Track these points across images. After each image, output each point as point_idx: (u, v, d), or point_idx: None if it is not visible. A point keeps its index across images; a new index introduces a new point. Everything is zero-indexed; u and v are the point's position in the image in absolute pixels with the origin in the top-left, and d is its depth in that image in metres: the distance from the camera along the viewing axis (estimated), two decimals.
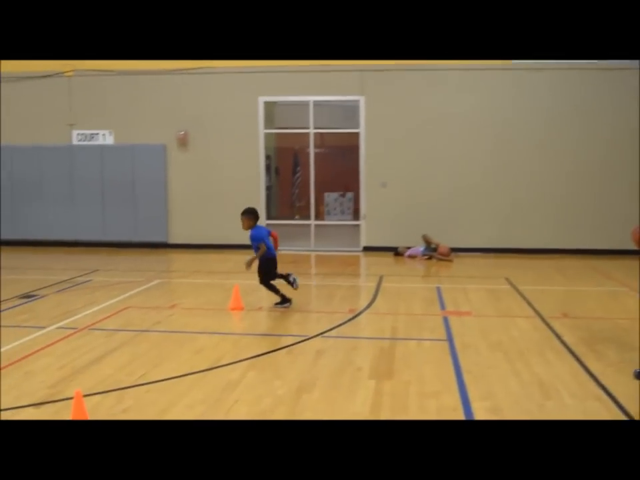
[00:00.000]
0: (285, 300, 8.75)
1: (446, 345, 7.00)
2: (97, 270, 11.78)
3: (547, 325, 7.83)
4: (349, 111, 14.92)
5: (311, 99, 14.60)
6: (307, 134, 14.84)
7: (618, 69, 13.61)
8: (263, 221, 14.74)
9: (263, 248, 8.66)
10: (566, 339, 7.18)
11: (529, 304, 8.98)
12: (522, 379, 5.86)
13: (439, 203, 14.18)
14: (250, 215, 8.86)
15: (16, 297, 9.39)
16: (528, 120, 13.95)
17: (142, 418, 4.95)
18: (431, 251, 13.38)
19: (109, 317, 8.24)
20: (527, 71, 13.83)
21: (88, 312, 8.46)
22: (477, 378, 5.88)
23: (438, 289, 10.08)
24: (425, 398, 5.39)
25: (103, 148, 15.11)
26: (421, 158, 14.24)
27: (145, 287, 10.32)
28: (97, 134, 15.15)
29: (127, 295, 9.64)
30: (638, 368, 5.82)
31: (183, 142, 14.87)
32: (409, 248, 13.66)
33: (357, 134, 14.56)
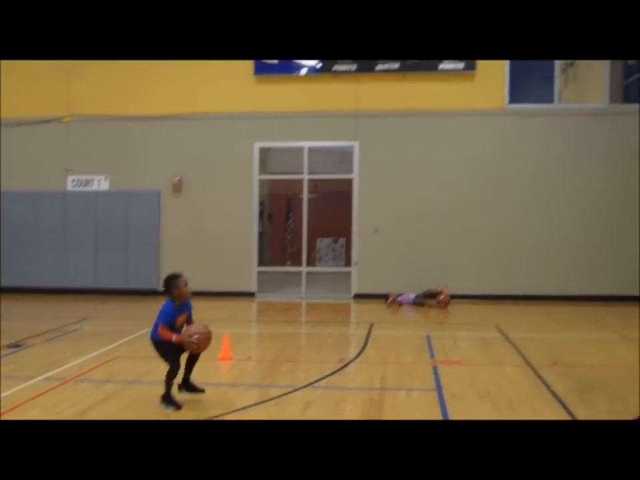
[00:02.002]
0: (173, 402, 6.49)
1: (435, 394, 6.96)
2: (87, 318, 11.73)
3: (537, 373, 7.79)
4: (343, 156, 15.06)
5: (306, 144, 14.74)
6: (301, 180, 14.95)
7: (610, 114, 13.84)
8: (254, 267, 14.78)
9: (165, 334, 6.56)
10: (555, 387, 7.14)
11: (519, 352, 8.96)
12: None
13: (431, 249, 14.23)
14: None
15: (3, 346, 9.33)
16: (521, 166, 14.09)
17: None
18: (424, 298, 13.35)
19: (96, 367, 8.18)
20: (520, 116, 14.03)
21: (76, 362, 8.40)
22: None
23: (428, 337, 10.05)
24: None
25: (97, 194, 15.18)
26: (414, 204, 14.34)
27: (134, 335, 10.26)
28: (92, 179, 15.24)
29: (115, 344, 9.58)
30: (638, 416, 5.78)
31: (177, 188, 14.95)
32: (400, 294, 13.65)
33: (350, 180, 14.68)
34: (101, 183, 15.24)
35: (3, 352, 9.01)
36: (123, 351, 9.12)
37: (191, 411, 6.46)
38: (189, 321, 6.68)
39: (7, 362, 8.50)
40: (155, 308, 13.23)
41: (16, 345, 9.41)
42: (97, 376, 7.79)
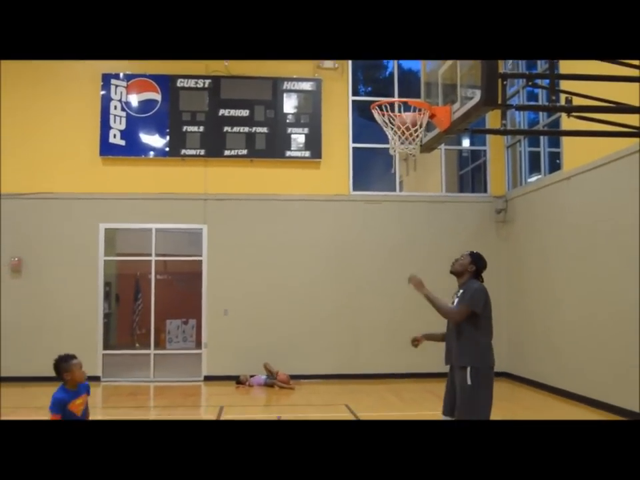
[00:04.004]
0: None
1: None
2: None
3: None
4: (193, 238, 15.03)
5: (154, 226, 14.60)
6: (149, 261, 14.73)
7: (448, 201, 14.80)
8: (99, 350, 14.24)
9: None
10: None
11: None
12: None
13: (281, 328, 14.34)
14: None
15: None
16: (367, 249, 14.65)
17: None
18: (273, 379, 13.39)
19: None
20: (364, 202, 14.67)
21: None
22: None
23: (279, 419, 10.03)
24: None
25: None
26: (263, 285, 14.47)
27: None
28: None
29: None
30: None
31: (16, 269, 14.27)
32: (252, 376, 13.60)
33: (199, 261, 14.63)
34: None
35: None
36: None
37: None
38: (85, 407, 5.94)
39: None
40: None
41: None
42: None
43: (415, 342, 6.65)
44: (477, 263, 6.34)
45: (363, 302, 14.55)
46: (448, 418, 6.01)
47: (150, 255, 14.68)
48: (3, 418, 10.53)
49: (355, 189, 14.93)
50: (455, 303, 6.25)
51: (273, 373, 13.48)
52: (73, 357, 5.99)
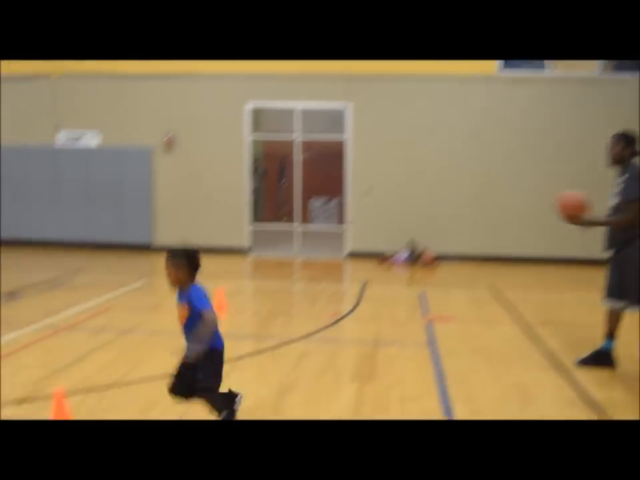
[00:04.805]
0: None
1: (428, 350, 7.03)
2: (81, 270, 11.73)
3: (529, 332, 7.87)
4: (336, 118, 14.96)
5: (298, 105, 14.63)
6: (294, 140, 14.88)
7: (603, 83, 13.80)
8: (248, 224, 14.78)
9: (208, 326, 4.43)
10: (548, 344, 7.23)
11: (512, 311, 9.04)
12: (503, 384, 5.90)
13: (424, 209, 14.24)
14: (182, 258, 4.47)
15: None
16: (513, 129, 14.05)
17: (122, 418, 4.94)
18: (415, 257, 13.42)
19: (91, 317, 8.21)
20: (512, 82, 13.96)
21: (70, 312, 8.42)
22: (458, 382, 5.91)
23: (421, 295, 10.11)
24: (406, 401, 5.41)
25: (88, 151, 15.06)
26: (407, 164, 14.31)
27: (128, 288, 10.29)
28: (83, 136, 15.11)
29: (110, 295, 9.60)
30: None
31: (169, 145, 14.85)
32: (393, 254, 13.70)
33: (343, 140, 14.61)
34: (91, 140, 15.11)
35: None
36: (118, 302, 9.14)
37: None
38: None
39: (2, 310, 8.51)
40: (148, 262, 13.41)
41: (11, 294, 9.42)
42: (92, 325, 7.82)
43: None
44: (630, 144, 5.90)
45: (511, 183, 14.09)
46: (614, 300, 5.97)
47: (295, 134, 14.80)
48: (164, 282, 11.27)
49: (504, 67, 14.16)
50: (618, 192, 5.88)
51: (417, 251, 13.49)
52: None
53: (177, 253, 4.49)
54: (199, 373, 4.52)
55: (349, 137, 14.51)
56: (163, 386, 5.70)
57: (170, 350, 4.31)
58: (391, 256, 13.67)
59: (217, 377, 4.62)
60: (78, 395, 5.39)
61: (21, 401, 5.27)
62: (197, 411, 4.87)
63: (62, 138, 15.13)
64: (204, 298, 4.41)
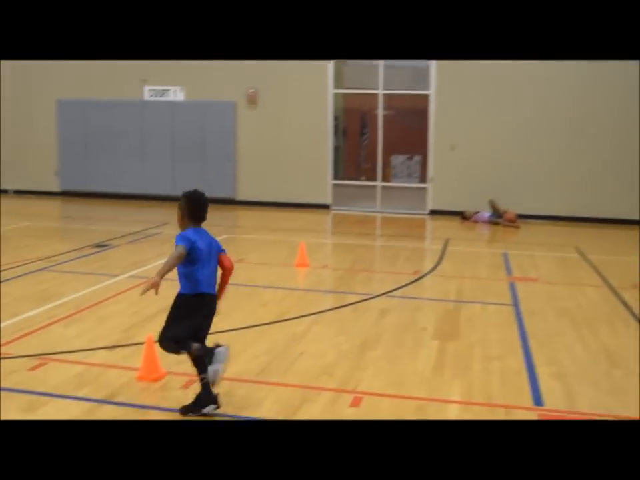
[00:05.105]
0: (208, 399, 4.31)
1: (511, 309, 6.95)
2: (167, 223, 12.01)
3: (616, 295, 7.66)
4: (419, 73, 14.70)
5: (381, 61, 14.43)
6: (376, 95, 14.73)
7: None
8: (329, 180, 14.80)
9: (170, 259, 4.36)
10: (635, 309, 7.03)
11: (598, 273, 8.80)
12: (588, 347, 5.78)
13: (508, 167, 13.92)
14: (183, 202, 4.58)
15: (89, 245, 9.67)
16: (606, 87, 13.49)
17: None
18: (498, 217, 13.19)
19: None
20: None
21: (158, 262, 8.65)
22: (543, 343, 5.83)
23: (504, 255, 9.95)
24: (488, 360, 5.38)
25: (173, 104, 15.31)
26: (491, 121, 13.96)
27: None
28: (169, 90, 15.36)
29: None
30: None
31: (252, 100, 14.94)
32: (476, 213, 13.49)
33: (426, 96, 14.37)
34: (176, 94, 15.34)
35: (89, 251, 9.35)
36: None
37: (270, 314, 6.62)
38: None
39: (94, 259, 8.85)
40: (231, 217, 13.64)
41: (101, 245, 9.76)
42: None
43: None
44: None
45: (598, 142, 13.57)
46: None
47: (377, 89, 14.65)
48: (247, 236, 11.45)
49: None
50: None
51: (500, 211, 13.25)
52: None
53: (182, 196, 4.60)
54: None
55: (432, 92, 14.26)
56: (248, 336, 5.85)
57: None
58: (473, 214, 13.47)
59: (179, 323, 4.44)
60: None
61: (113, 347, 5.49)
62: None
63: (148, 92, 15.41)
64: (185, 238, 4.38)
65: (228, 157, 15.07)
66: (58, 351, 5.37)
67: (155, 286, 4.19)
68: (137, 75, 15.22)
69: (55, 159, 15.98)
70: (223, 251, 4.69)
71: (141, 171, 15.43)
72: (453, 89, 14.08)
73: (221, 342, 4.43)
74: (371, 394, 4.64)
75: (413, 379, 4.95)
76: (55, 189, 16.02)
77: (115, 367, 5.08)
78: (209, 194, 4.75)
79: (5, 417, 4.15)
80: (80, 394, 4.56)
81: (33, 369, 4.99)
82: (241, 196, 15.07)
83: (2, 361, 5.11)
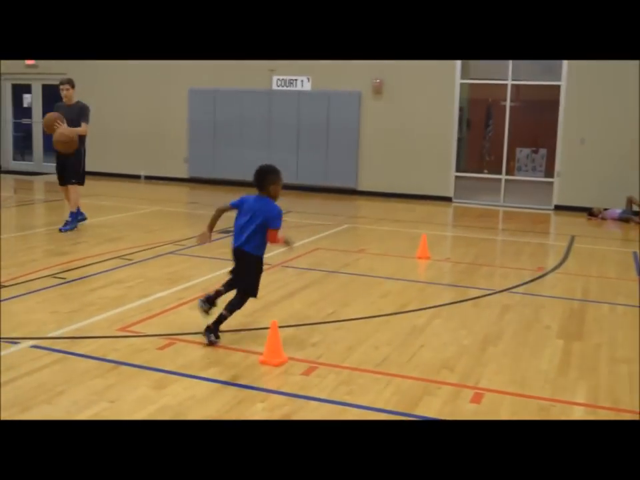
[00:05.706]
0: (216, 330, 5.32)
1: None
2: (290, 211, 12.24)
3: None
4: (549, 64, 14.23)
5: None
6: (504, 86, 14.42)
7: None
8: (452, 172, 14.63)
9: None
10: None
11: None
12: None
13: None
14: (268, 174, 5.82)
15: (215, 231, 9.99)
16: None
17: (329, 353, 5.16)
18: (632, 214, 12.61)
19: (299, 256, 8.60)
20: None
21: (280, 250, 8.86)
22: None
23: (635, 254, 9.54)
24: (616, 363, 5.19)
25: (300, 93, 15.56)
26: (624, 115, 13.36)
27: (333, 230, 10.64)
28: (296, 80, 15.62)
29: (316, 236, 9.99)
30: None
31: (378, 90, 14.97)
32: (605, 209, 12.97)
33: (557, 87, 13.92)
34: (303, 83, 15.58)
35: (215, 237, 9.66)
36: (324, 244, 9.49)
37: (391, 305, 6.64)
38: None
39: (220, 245, 9.14)
40: (353, 207, 13.75)
41: (227, 231, 10.07)
42: (301, 264, 8.20)
43: None
44: None
45: None
46: None
47: (506, 79, 14.33)
48: (367, 226, 11.50)
49: None
50: None
51: (635, 209, 12.61)
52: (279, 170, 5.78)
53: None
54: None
55: (564, 83, 13.80)
56: (369, 326, 5.91)
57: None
58: (602, 211, 12.96)
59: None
60: (289, 328, 5.72)
61: (237, 330, 5.69)
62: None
63: (276, 82, 15.73)
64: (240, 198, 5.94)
65: (351, 147, 15.17)
66: (186, 332, 5.61)
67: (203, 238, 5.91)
68: (265, 64, 15.55)
69: (184, 147, 16.62)
70: (275, 226, 5.56)
71: (266, 159, 15.57)
72: (586, 79, 13.57)
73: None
74: (493, 391, 4.59)
75: (536, 377, 4.85)
76: (184, 175, 16.67)
77: (238, 350, 5.25)
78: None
79: (135, 392, 4.39)
80: (206, 374, 4.75)
81: (161, 348, 5.24)
82: (363, 186, 15.15)
83: (133, 339, 5.40)
